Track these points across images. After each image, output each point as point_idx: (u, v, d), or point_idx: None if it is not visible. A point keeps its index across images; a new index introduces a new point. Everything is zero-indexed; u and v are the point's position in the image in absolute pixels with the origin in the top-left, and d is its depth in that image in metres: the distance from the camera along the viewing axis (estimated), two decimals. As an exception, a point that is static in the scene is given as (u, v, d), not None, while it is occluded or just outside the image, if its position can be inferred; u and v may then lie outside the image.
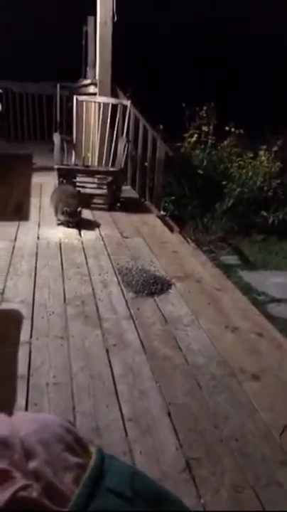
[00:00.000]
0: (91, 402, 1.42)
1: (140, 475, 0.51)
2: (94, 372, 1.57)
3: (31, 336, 1.78)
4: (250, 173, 5.15)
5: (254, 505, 1.09)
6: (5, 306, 2.03)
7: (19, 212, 3.57)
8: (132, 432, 1.30)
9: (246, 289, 3.14)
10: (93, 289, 2.25)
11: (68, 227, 3.22)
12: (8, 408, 1.32)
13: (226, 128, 5.54)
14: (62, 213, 3.19)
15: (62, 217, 3.22)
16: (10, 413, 0.55)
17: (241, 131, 5.52)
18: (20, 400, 1.41)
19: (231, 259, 4.05)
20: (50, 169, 4.09)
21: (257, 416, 1.40)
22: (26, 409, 1.35)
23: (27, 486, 0.41)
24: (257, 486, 1.14)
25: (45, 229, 3.17)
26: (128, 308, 2.07)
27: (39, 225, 3.25)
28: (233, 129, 5.54)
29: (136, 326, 1.91)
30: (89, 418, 1.34)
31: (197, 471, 1.18)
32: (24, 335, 1.79)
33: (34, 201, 3.90)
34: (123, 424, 1.33)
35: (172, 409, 1.41)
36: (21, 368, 1.57)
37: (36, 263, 2.54)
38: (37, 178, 4.71)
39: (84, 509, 0.42)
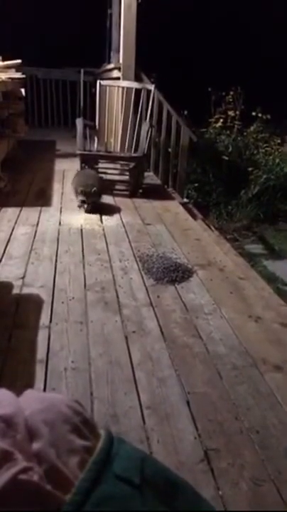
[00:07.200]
0: (109, 388, 1.40)
1: (151, 460, 0.49)
2: (113, 359, 1.55)
3: (51, 321, 1.78)
4: (277, 160, 5.02)
5: (275, 499, 1.06)
6: (26, 290, 2.04)
7: (41, 198, 3.57)
8: (150, 420, 1.28)
9: (271, 279, 3.07)
10: (113, 276, 2.23)
11: (85, 209, 3.21)
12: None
13: (253, 113, 5.40)
14: (79, 193, 3.20)
15: (79, 198, 3.22)
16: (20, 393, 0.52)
17: (269, 116, 5.37)
18: (39, 384, 1.40)
19: (256, 248, 3.96)
20: (72, 155, 4.08)
21: (279, 409, 1.35)
22: (44, 393, 1.35)
23: (28, 468, 0.39)
24: (278, 480, 1.10)
25: (66, 215, 3.17)
26: (149, 295, 2.04)
27: (61, 211, 3.25)
28: (260, 115, 5.40)
29: (155, 314, 1.88)
30: (107, 405, 1.33)
31: (216, 462, 1.15)
32: (44, 319, 1.79)
33: (56, 187, 3.90)
34: (141, 412, 1.31)
35: (191, 398, 1.38)
36: (40, 353, 1.57)
37: (57, 249, 2.53)
38: (60, 165, 4.71)
39: (87, 495, 0.39)
